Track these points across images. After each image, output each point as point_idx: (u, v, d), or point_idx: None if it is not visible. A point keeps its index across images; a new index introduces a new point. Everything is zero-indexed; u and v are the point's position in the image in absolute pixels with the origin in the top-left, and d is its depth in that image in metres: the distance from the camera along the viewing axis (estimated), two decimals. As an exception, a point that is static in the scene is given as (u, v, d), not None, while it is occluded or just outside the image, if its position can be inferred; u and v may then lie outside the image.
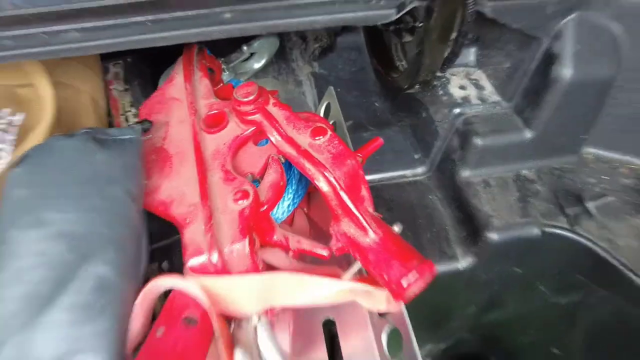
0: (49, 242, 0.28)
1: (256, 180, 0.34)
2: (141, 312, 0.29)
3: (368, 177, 0.47)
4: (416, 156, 0.49)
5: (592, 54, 0.38)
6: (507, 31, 0.41)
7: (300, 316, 0.38)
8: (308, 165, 0.32)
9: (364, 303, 0.34)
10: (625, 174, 0.45)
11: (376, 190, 0.44)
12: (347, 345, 0.38)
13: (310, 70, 0.63)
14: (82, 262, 0.28)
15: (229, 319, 0.30)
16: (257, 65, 0.58)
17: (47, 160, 0.30)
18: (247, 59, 0.58)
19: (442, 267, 0.42)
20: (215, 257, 0.29)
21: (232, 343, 0.29)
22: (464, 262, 0.42)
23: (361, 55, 0.62)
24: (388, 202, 0.46)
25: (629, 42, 0.38)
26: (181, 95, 0.39)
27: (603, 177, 0.45)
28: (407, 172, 0.49)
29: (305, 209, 0.42)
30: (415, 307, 0.34)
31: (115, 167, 0.31)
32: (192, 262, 0.29)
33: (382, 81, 0.56)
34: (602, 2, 0.37)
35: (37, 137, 0.35)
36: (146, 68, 0.56)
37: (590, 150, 0.46)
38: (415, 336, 0.33)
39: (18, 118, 0.37)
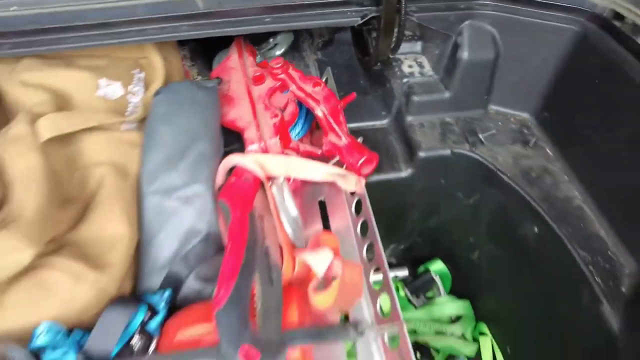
0: (176, 133, 0.54)
1: (282, 110, 0.61)
2: (222, 173, 0.55)
3: (351, 125, 0.73)
4: (383, 113, 0.76)
5: (479, 45, 0.65)
6: (434, 31, 0.68)
7: (303, 196, 0.64)
8: (311, 102, 0.59)
9: (342, 184, 0.60)
10: (513, 122, 0.71)
11: (356, 132, 0.71)
12: (334, 221, 0.64)
13: (315, 58, 0.89)
14: (192, 143, 0.54)
15: (268, 179, 0.57)
16: (278, 52, 0.85)
17: (173, 92, 0.57)
18: (271, 48, 0.85)
19: (392, 175, 0.68)
20: (262, 145, 0.56)
21: (271, 189, 0.55)
22: (405, 173, 0.68)
23: (351, 47, 0.89)
24: (364, 139, 0.72)
25: (500, 38, 0.64)
26: (236, 66, 0.66)
27: (499, 123, 0.71)
28: (377, 123, 0.75)
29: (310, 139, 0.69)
30: (378, 211, 0.55)
31: (207, 99, 0.57)
32: (250, 148, 0.56)
33: (362, 64, 0.82)
34: (483, 15, 0.63)
35: (158, 84, 0.62)
36: (204, 51, 0.83)
37: (493, 107, 0.72)
38: (380, 236, 0.51)
39: (142, 75, 0.64)
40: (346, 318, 0.54)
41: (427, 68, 0.73)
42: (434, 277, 0.83)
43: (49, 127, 0.49)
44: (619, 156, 0.56)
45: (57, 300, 0.40)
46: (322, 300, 0.46)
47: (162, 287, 0.48)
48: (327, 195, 0.64)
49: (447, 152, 0.67)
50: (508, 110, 0.72)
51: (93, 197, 0.48)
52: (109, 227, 0.46)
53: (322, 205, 0.63)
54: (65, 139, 0.51)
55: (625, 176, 0.55)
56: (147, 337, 0.44)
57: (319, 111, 0.59)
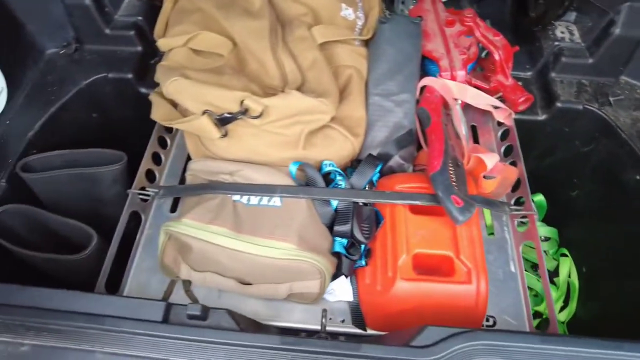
0: (396, 52, 0.74)
1: (467, 49, 0.79)
2: (418, 88, 0.76)
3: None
4: (527, 66, 0.93)
5: (632, 24, 0.80)
6: (593, 5, 0.83)
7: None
8: (491, 47, 0.77)
9: (495, 114, 0.80)
10: (637, 93, 0.87)
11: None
12: (482, 142, 0.84)
13: (471, 9, 1.05)
14: (406, 62, 0.74)
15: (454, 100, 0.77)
16: None
17: (395, 23, 0.76)
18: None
19: (530, 117, 0.87)
20: (453, 74, 0.75)
21: (455, 106, 0.75)
22: (541, 117, 0.86)
23: (503, 4, 1.04)
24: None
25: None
26: (430, 8, 0.84)
27: (626, 92, 0.87)
28: (520, 73, 0.92)
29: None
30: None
31: (416, 31, 0.77)
32: (443, 75, 0.76)
33: (517, 22, 0.98)
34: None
35: (374, 13, 0.81)
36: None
37: (623, 77, 0.88)
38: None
39: (361, 4, 0.83)
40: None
41: (577, 36, 0.89)
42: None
43: (320, 34, 0.70)
44: None
45: (335, 148, 0.64)
46: (488, 185, 0.68)
47: (376, 158, 0.71)
48: (478, 121, 0.84)
49: (580, 106, 0.84)
50: (636, 82, 0.88)
51: (345, 88, 0.70)
52: (357, 110, 0.68)
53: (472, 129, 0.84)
54: (324, 44, 0.72)
55: None
56: (372, 184, 0.67)
57: (497, 55, 0.77)
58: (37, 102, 0.79)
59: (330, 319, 0.63)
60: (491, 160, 0.68)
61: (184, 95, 0.61)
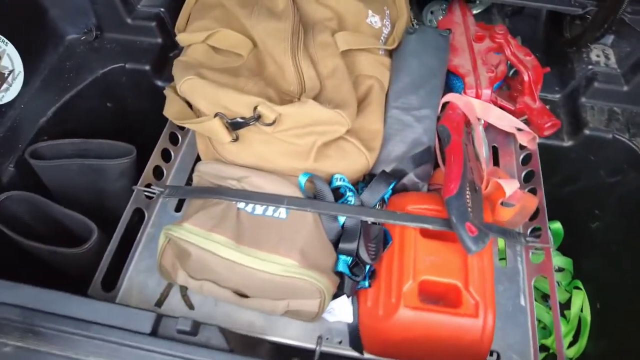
0: (420, 65, 0.71)
1: (495, 67, 0.76)
2: (440, 104, 0.73)
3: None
4: (556, 88, 0.89)
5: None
6: (633, 30, 0.79)
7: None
8: (521, 67, 0.74)
9: (518, 137, 0.76)
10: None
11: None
12: (502, 164, 0.80)
13: (502, 24, 1.01)
14: (430, 77, 0.71)
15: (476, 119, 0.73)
16: (475, 11, 0.98)
17: (422, 34, 0.73)
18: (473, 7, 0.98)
19: (555, 142, 0.83)
20: (478, 92, 0.72)
21: (478, 126, 0.72)
22: (566, 143, 0.82)
23: (536, 21, 1.00)
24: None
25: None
26: (459, 21, 0.81)
27: (659, 124, 0.83)
28: (548, 95, 0.89)
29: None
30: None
31: (443, 45, 0.74)
32: (468, 92, 0.73)
33: (553, 43, 0.94)
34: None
35: (402, 22, 0.78)
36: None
37: (657, 107, 0.84)
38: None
39: (388, 12, 0.80)
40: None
41: (612, 60, 0.85)
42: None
43: (344, 41, 0.68)
44: None
45: (348, 161, 0.62)
46: (505, 213, 0.65)
47: (390, 175, 0.68)
48: (500, 142, 0.81)
49: (609, 135, 0.80)
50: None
51: (364, 98, 0.67)
52: (374, 123, 0.66)
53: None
54: (347, 51, 0.69)
55: None
56: (383, 202, 0.65)
57: (526, 76, 0.74)
58: (53, 88, 0.79)
59: (327, 339, 0.61)
60: (511, 187, 0.65)
61: (197, 95, 0.60)
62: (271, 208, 0.58)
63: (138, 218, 0.71)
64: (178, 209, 0.73)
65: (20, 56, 0.75)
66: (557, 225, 0.98)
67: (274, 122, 0.57)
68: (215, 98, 0.58)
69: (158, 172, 0.74)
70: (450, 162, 0.64)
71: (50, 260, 0.71)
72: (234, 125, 0.58)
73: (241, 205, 0.59)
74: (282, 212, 0.58)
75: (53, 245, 0.66)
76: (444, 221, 0.59)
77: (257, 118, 0.56)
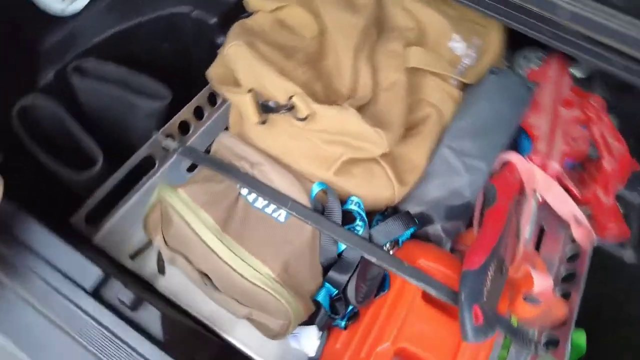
0: (491, 111, 0.62)
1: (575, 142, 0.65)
2: (499, 160, 0.64)
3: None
4: (639, 188, 0.77)
5: None
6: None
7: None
8: (604, 152, 0.64)
9: (573, 229, 0.66)
10: None
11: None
12: (544, 250, 0.69)
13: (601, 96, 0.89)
14: (496, 127, 0.62)
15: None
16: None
17: (505, 78, 0.65)
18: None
19: (614, 251, 0.71)
20: (545, 162, 0.63)
21: (532, 199, 0.62)
22: (626, 257, 0.70)
23: None
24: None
25: None
26: (554, 78, 0.71)
27: None
28: (626, 193, 0.77)
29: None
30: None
31: (525, 98, 0.64)
32: (534, 158, 0.63)
33: None
34: None
35: (488, 58, 0.69)
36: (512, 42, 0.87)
37: None
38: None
39: (478, 43, 0.71)
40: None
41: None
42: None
43: (415, 57, 0.61)
44: None
45: (371, 187, 0.55)
46: (524, 310, 0.56)
47: (416, 218, 0.60)
48: (550, 225, 0.70)
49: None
50: None
51: (416, 126, 0.60)
52: (417, 155, 0.58)
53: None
54: (415, 70, 0.62)
55: None
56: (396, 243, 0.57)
57: (607, 163, 0.63)
58: (116, 13, 0.77)
59: (283, 364, 0.55)
60: (542, 283, 0.55)
61: (239, 64, 0.55)
62: (272, 206, 0.53)
63: (148, 166, 0.68)
64: (192, 168, 0.69)
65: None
66: (581, 340, 0.86)
67: (306, 118, 0.51)
68: (256, 73, 0.53)
69: (183, 127, 0.71)
70: (486, 230, 0.55)
71: (57, 175, 0.70)
72: (265, 108, 0.52)
73: (244, 191, 0.54)
74: (282, 214, 0.53)
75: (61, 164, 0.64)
76: (452, 292, 0.51)
77: (290, 108, 0.51)
